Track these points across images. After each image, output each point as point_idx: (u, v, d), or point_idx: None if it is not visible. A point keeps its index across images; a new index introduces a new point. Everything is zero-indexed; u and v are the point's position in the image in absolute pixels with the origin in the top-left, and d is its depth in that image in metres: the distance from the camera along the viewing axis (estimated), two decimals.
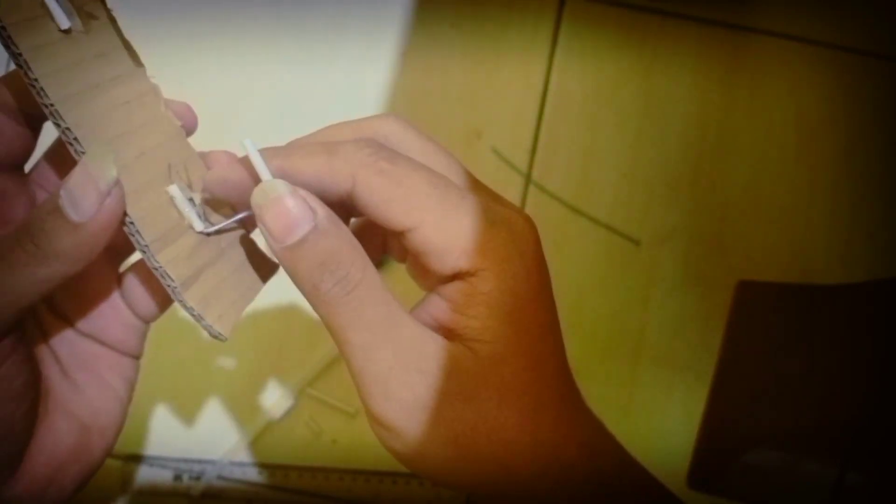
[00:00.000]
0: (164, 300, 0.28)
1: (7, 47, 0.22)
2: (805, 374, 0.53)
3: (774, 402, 0.53)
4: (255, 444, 0.52)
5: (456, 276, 0.22)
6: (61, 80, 0.23)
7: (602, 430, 0.25)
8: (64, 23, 0.24)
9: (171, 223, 0.25)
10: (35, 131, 0.26)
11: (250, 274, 0.28)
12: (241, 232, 0.28)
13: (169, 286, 0.25)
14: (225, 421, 0.53)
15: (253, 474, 0.52)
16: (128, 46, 0.28)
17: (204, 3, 0.55)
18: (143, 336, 0.29)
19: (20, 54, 0.22)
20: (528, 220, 0.23)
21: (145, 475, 0.52)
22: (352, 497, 0.52)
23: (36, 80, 0.23)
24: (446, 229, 0.22)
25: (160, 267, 0.24)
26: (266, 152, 0.23)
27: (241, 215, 0.26)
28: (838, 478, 0.51)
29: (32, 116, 0.25)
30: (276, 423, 0.53)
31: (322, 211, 0.21)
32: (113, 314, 0.28)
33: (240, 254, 0.28)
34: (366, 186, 0.21)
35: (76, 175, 0.22)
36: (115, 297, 0.28)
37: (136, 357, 0.29)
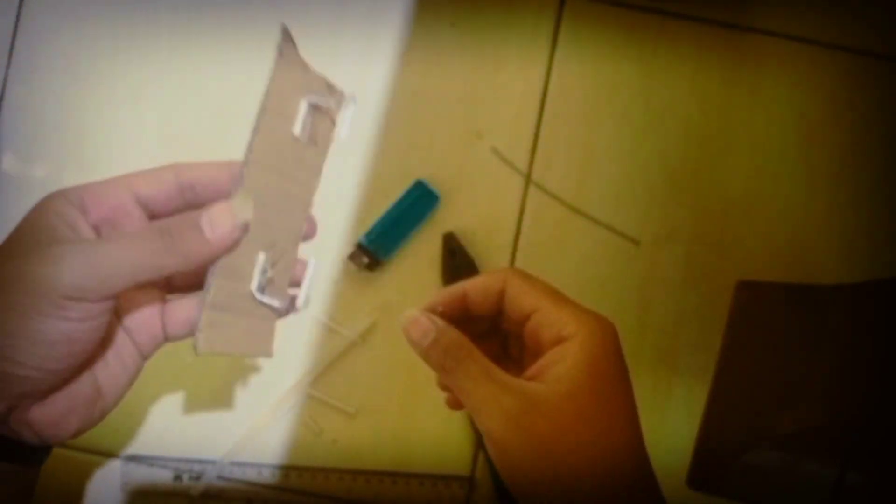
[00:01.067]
0: (186, 332, 0.36)
1: (258, 119, 0.33)
2: (805, 374, 0.53)
3: (774, 402, 0.53)
4: (254, 444, 0.52)
5: (558, 343, 0.32)
6: (265, 149, 0.33)
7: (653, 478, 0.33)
8: (297, 130, 0.35)
9: (241, 271, 0.34)
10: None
11: (252, 344, 0.36)
12: (275, 318, 0.37)
13: (202, 297, 0.32)
14: (225, 421, 0.53)
15: (253, 474, 0.52)
16: (319, 173, 0.38)
17: (204, 2, 0.55)
18: (158, 347, 0.37)
19: (260, 122, 0.33)
20: (611, 323, 0.33)
21: (145, 475, 0.52)
22: (352, 497, 0.52)
23: (254, 134, 0.33)
24: (558, 311, 0.33)
25: (211, 284, 0.32)
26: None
27: (275, 304, 0.36)
28: (838, 478, 0.51)
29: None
30: (276, 424, 0.53)
31: (440, 321, 0.33)
32: (149, 322, 0.36)
33: (260, 328, 0.36)
34: (512, 286, 0.34)
35: (221, 207, 0.32)
36: (156, 312, 0.36)
37: (146, 358, 0.37)
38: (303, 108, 0.35)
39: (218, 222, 0.32)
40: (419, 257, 0.54)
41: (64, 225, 0.32)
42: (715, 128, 0.55)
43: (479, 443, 0.53)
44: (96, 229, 0.33)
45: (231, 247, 0.33)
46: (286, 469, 0.52)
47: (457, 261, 0.53)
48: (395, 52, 0.55)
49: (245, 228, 0.32)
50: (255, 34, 0.55)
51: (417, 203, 0.53)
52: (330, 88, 0.36)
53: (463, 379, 0.32)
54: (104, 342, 0.34)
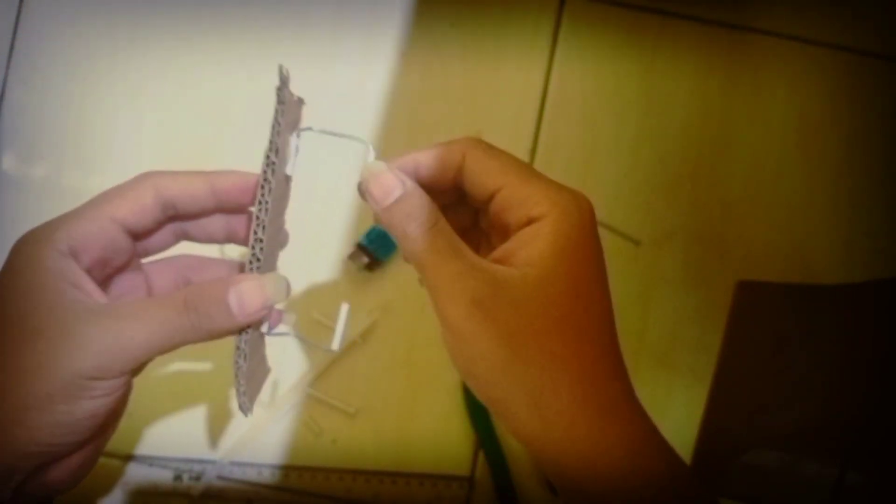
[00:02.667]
0: None
1: (265, 171, 0.31)
2: (805, 374, 0.53)
3: (774, 402, 0.53)
4: (255, 443, 0.52)
5: (528, 223, 0.29)
6: (274, 207, 0.32)
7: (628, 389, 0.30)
8: (290, 170, 0.33)
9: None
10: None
11: (262, 370, 0.36)
12: (265, 337, 0.35)
13: (238, 363, 0.31)
14: (225, 421, 0.53)
15: (253, 474, 0.52)
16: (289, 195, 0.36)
17: (204, 3, 0.55)
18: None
19: (269, 181, 0.31)
20: (588, 200, 0.30)
21: (145, 475, 0.52)
22: (352, 497, 0.52)
23: (267, 201, 0.31)
24: (525, 188, 0.29)
25: (245, 353, 0.31)
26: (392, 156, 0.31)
27: (281, 332, 0.34)
28: (838, 478, 0.51)
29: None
30: (276, 424, 0.53)
31: (408, 181, 0.29)
32: None
33: (261, 353, 0.35)
34: (472, 159, 0.30)
35: (251, 284, 0.30)
36: None
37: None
38: (293, 146, 0.33)
39: (247, 301, 0.30)
40: None
41: (69, 286, 0.29)
42: (715, 128, 0.55)
43: (479, 443, 0.53)
44: (89, 272, 0.30)
45: (260, 320, 0.31)
46: (286, 469, 0.52)
47: None
48: (395, 52, 0.55)
49: (272, 306, 0.31)
50: (254, 34, 0.55)
51: None
52: (300, 104, 0.35)
53: (425, 251, 0.28)
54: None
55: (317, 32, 0.55)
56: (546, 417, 0.27)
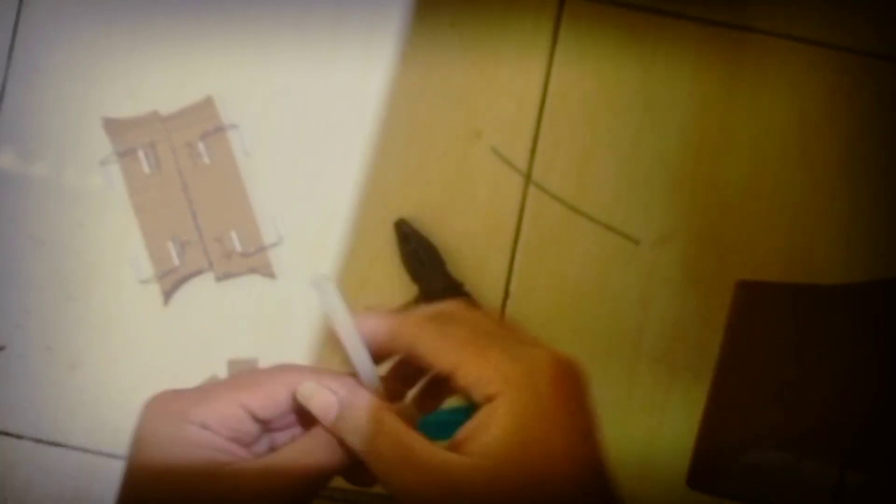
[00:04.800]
0: None
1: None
2: (805, 374, 0.53)
3: (774, 402, 0.53)
4: None
5: (488, 401, 0.28)
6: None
7: None
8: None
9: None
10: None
11: None
12: None
13: None
14: None
15: None
16: None
17: (204, 3, 0.55)
18: None
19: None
20: (552, 358, 0.28)
21: None
22: (348, 497, 0.52)
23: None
24: (479, 366, 0.28)
25: None
26: (365, 316, 0.30)
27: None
28: (838, 478, 0.51)
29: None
30: None
31: (343, 393, 0.29)
32: None
33: None
34: (424, 343, 0.29)
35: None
36: None
37: None
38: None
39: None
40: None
41: (214, 451, 0.30)
42: (715, 128, 0.55)
43: None
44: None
45: None
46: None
47: (413, 245, 0.53)
48: (395, 52, 0.55)
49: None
50: (254, 34, 0.55)
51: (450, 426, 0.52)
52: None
53: (376, 463, 0.28)
54: None
55: (317, 32, 0.55)
56: None
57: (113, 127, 0.54)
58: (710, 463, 0.53)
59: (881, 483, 0.51)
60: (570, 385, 0.28)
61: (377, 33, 0.55)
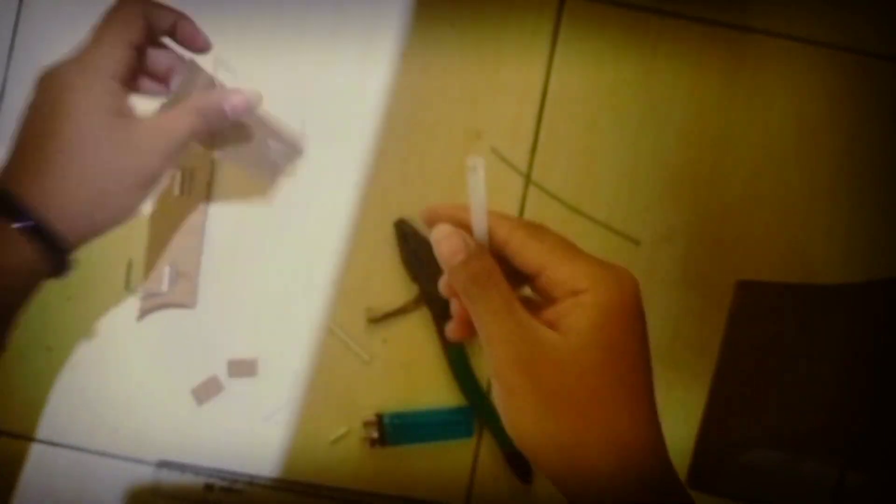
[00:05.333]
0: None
1: None
2: (805, 374, 0.53)
3: (774, 402, 0.53)
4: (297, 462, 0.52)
5: (572, 295, 0.32)
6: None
7: (663, 448, 0.31)
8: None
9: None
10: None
11: (271, 155, 0.53)
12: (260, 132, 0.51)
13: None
14: (260, 435, 0.53)
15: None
16: None
17: (204, 3, 0.54)
18: None
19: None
20: (632, 276, 0.33)
21: (177, 481, 0.52)
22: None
23: None
24: (569, 266, 0.32)
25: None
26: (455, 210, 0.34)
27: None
28: (838, 478, 0.51)
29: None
30: (327, 445, 0.53)
31: (472, 243, 0.33)
32: None
33: (261, 147, 0.53)
34: (516, 241, 0.33)
35: (240, 97, 0.47)
36: None
37: None
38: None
39: (238, 106, 0.46)
40: None
41: (120, 104, 0.43)
42: (715, 128, 0.55)
43: (473, 470, 0.53)
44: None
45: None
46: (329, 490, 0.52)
47: (413, 245, 0.53)
48: (395, 52, 0.55)
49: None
50: (254, 34, 0.55)
51: (451, 426, 0.53)
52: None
53: (482, 310, 0.32)
54: None
55: (317, 32, 0.55)
56: (574, 466, 0.30)
57: None
58: (710, 463, 0.53)
59: (881, 483, 0.51)
60: (640, 297, 0.33)
61: (377, 33, 0.55)
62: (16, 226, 0.39)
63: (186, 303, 0.53)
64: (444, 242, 0.33)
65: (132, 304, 0.53)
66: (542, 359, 0.30)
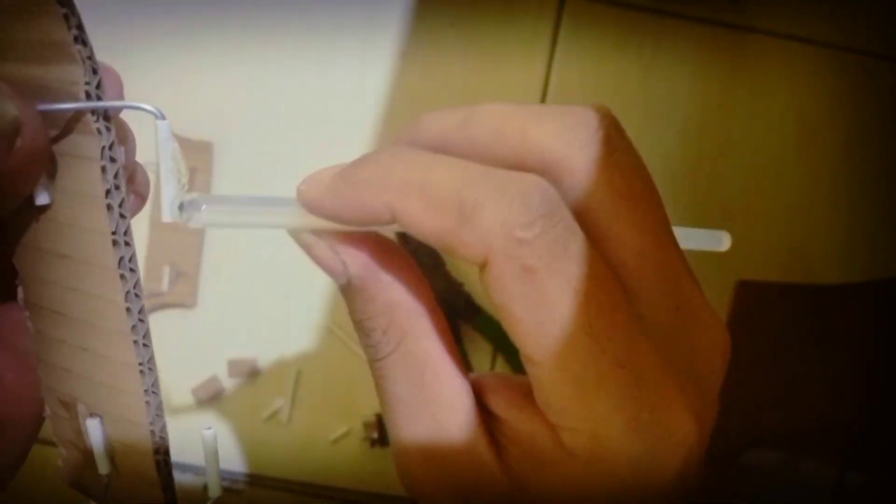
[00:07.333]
0: None
1: None
2: (805, 373, 0.53)
3: (774, 402, 0.53)
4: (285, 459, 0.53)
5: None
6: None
7: None
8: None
9: None
10: None
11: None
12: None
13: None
14: (258, 433, 0.53)
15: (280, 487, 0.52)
16: None
17: (204, 3, 0.54)
18: None
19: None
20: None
21: (176, 481, 0.52)
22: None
23: None
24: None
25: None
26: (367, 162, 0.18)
27: None
28: (838, 478, 0.51)
29: None
30: (327, 445, 0.53)
31: (356, 263, 0.18)
32: None
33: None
34: (501, 288, 0.15)
35: None
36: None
37: None
38: None
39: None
40: None
41: None
42: (715, 128, 0.55)
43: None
44: None
45: None
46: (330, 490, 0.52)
47: (413, 245, 0.53)
48: (395, 52, 0.55)
49: None
50: (254, 34, 0.54)
51: None
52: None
53: (385, 385, 0.20)
54: None
55: (317, 32, 0.54)
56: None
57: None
58: (709, 463, 0.53)
59: (881, 483, 0.51)
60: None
61: (377, 33, 0.55)
62: None
63: (186, 303, 0.53)
64: (312, 253, 0.21)
65: None
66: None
